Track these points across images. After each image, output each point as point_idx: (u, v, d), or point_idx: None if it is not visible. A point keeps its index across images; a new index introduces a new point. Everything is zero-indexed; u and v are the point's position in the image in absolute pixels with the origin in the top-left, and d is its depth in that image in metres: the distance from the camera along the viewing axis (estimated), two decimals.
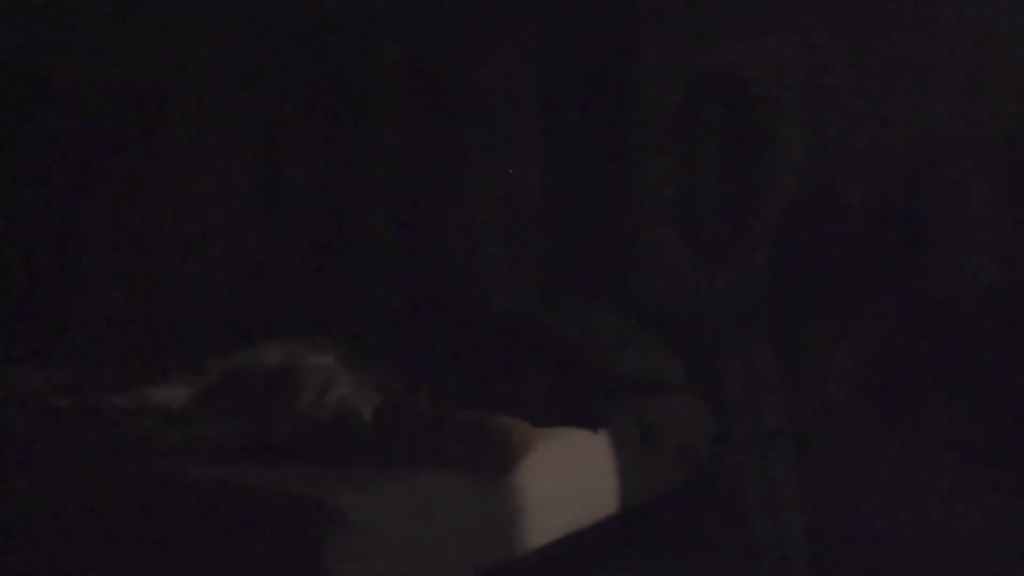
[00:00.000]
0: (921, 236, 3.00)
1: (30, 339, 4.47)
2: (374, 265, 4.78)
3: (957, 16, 3.36)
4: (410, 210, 4.65)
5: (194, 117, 5.11)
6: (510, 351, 3.41)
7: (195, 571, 2.21)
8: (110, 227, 4.87)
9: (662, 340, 3.58)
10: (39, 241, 4.58)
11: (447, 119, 4.54)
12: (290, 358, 3.14)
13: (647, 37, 4.03)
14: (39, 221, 4.58)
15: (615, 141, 4.10)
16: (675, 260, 3.98)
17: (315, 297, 4.90)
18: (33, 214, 4.55)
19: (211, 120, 5.16)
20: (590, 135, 4.14)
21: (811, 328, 3.50)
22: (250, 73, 5.12)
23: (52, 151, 4.62)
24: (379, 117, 4.76)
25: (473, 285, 4.44)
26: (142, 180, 5.02)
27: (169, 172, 5.10)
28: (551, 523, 2.70)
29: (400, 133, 4.70)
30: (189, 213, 5.13)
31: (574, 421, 2.96)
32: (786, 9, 3.70)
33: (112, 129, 4.85)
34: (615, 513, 3.06)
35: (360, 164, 4.83)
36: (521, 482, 2.56)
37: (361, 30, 4.70)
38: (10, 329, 4.42)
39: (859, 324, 3.33)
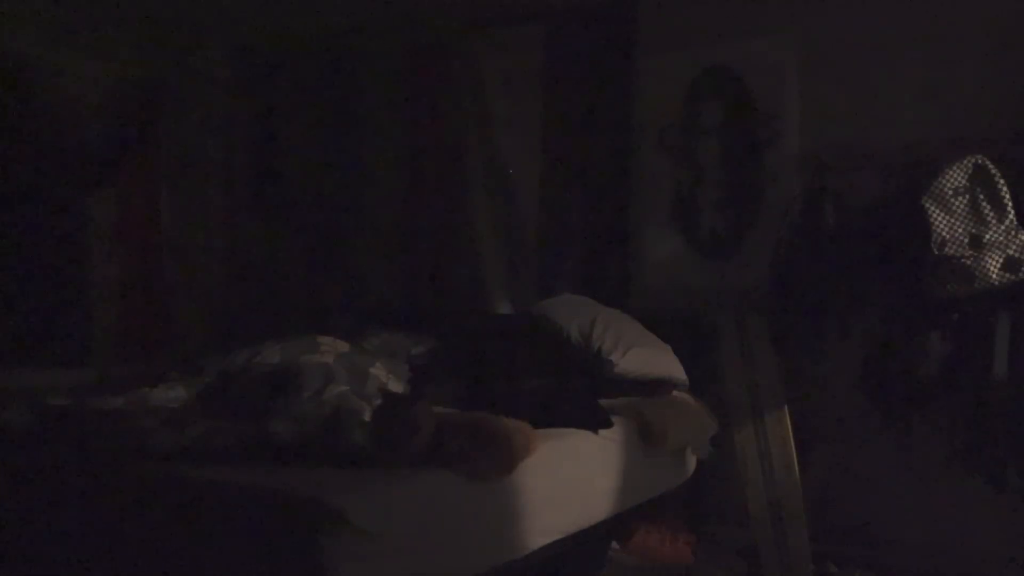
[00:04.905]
0: (921, 235, 2.99)
1: (30, 340, 4.46)
2: (373, 265, 4.78)
3: (955, 16, 3.36)
4: (409, 209, 4.65)
5: (195, 116, 5.11)
6: (510, 351, 3.41)
7: (195, 571, 2.21)
8: (110, 227, 4.86)
9: (662, 340, 3.58)
10: (38, 241, 4.58)
11: (447, 118, 4.53)
12: (289, 358, 3.14)
13: (647, 37, 4.03)
14: (38, 221, 4.57)
15: (615, 141, 4.09)
16: (675, 260, 3.98)
17: (315, 297, 4.90)
18: (32, 214, 4.55)
19: (212, 120, 5.16)
20: (590, 135, 4.14)
21: (811, 328, 3.50)
22: (250, 72, 5.12)
23: (51, 151, 4.61)
24: (379, 116, 4.75)
25: (473, 285, 4.44)
26: (142, 180, 5.01)
27: (169, 171, 5.10)
28: (551, 523, 2.70)
29: (400, 132, 4.69)
30: (188, 212, 5.13)
31: (574, 422, 2.96)
32: (785, 9, 3.70)
33: (111, 128, 4.85)
34: (615, 513, 3.06)
35: (360, 163, 4.83)
36: (521, 483, 2.56)
37: (361, 29, 4.70)
38: (10, 330, 4.41)
39: (859, 324, 3.32)
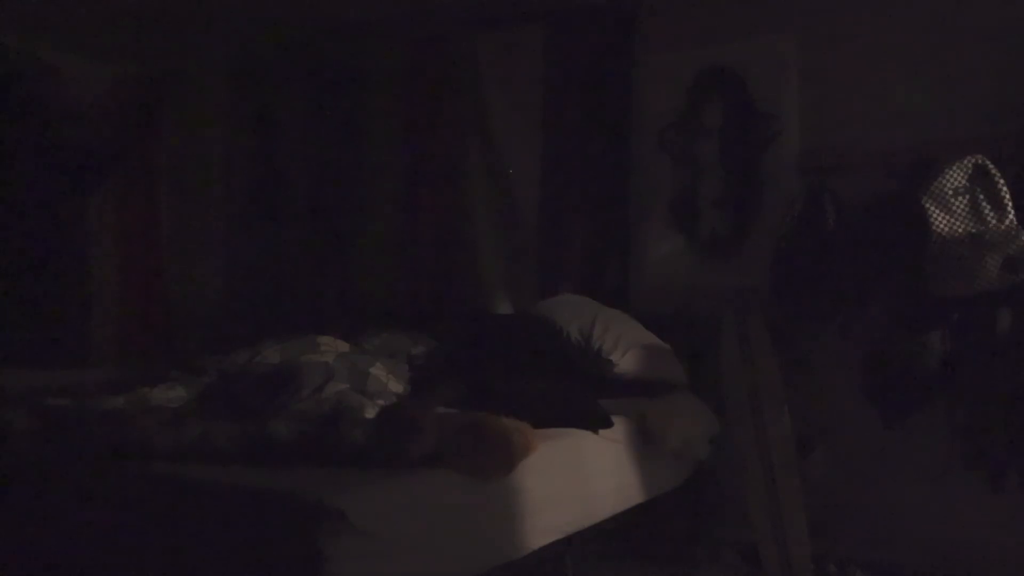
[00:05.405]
0: (921, 235, 2.99)
1: (30, 340, 4.46)
2: (373, 265, 4.77)
3: (955, 15, 3.36)
4: (409, 210, 4.65)
5: (195, 116, 5.11)
6: (510, 351, 3.41)
7: (195, 571, 2.21)
8: (110, 227, 4.87)
9: (662, 340, 3.58)
10: (38, 241, 4.58)
11: (447, 118, 4.53)
12: (289, 358, 3.14)
13: (647, 37, 4.03)
14: (38, 221, 4.57)
15: (615, 141, 4.09)
16: (675, 260, 3.97)
17: (315, 297, 4.90)
18: (33, 214, 4.55)
19: (212, 120, 5.16)
20: (590, 135, 4.14)
21: (811, 327, 3.50)
22: (251, 72, 5.11)
23: (51, 151, 4.62)
24: (379, 116, 4.75)
25: (473, 285, 4.44)
26: (142, 180, 5.01)
27: (169, 171, 5.10)
28: (551, 523, 2.70)
29: (400, 132, 4.69)
30: (188, 212, 5.13)
31: (574, 422, 2.96)
32: (785, 9, 3.70)
33: (111, 128, 4.85)
34: (615, 513, 3.06)
35: (359, 163, 4.82)
36: (521, 483, 2.56)
37: (361, 29, 4.70)
38: (10, 330, 4.41)
39: (859, 324, 3.32)
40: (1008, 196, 2.95)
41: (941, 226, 2.96)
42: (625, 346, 3.41)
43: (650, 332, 3.59)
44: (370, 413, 2.67)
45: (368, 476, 2.26)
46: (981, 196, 2.98)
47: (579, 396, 3.12)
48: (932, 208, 2.98)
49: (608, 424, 3.02)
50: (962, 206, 2.97)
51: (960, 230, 2.95)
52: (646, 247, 4.05)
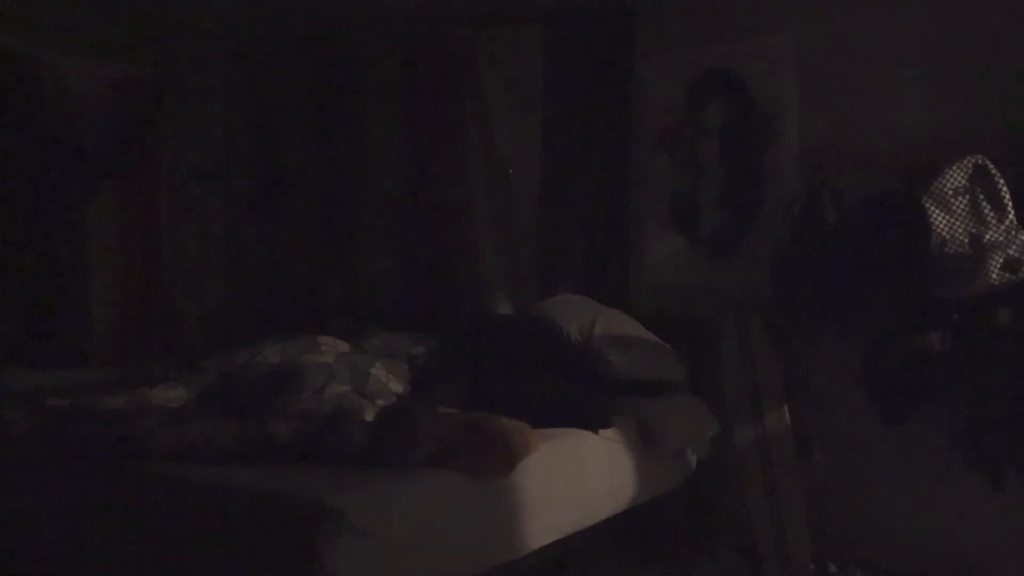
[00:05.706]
0: (921, 235, 2.99)
1: (30, 340, 4.46)
2: (373, 265, 4.77)
3: (955, 16, 3.36)
4: (409, 209, 4.65)
5: (195, 117, 5.11)
6: (510, 351, 3.41)
7: (195, 571, 2.21)
8: (110, 226, 4.86)
9: (662, 340, 3.58)
10: (39, 242, 4.57)
11: (447, 118, 4.53)
12: (289, 358, 3.14)
13: (647, 37, 4.03)
14: (39, 221, 4.57)
15: (615, 141, 4.09)
16: (675, 260, 3.97)
17: (315, 297, 4.90)
18: (32, 214, 4.55)
19: (212, 119, 5.16)
20: (590, 135, 4.14)
21: (811, 328, 3.50)
22: (251, 72, 5.12)
23: (52, 151, 4.61)
24: (379, 116, 4.75)
25: (473, 285, 4.44)
26: (142, 180, 5.01)
27: (169, 171, 5.10)
28: (551, 523, 2.70)
29: (400, 132, 4.69)
30: (188, 212, 5.13)
31: (573, 421, 2.96)
32: (785, 9, 3.70)
33: (111, 128, 4.84)
34: (615, 513, 3.06)
35: (359, 163, 4.82)
36: (521, 483, 2.56)
37: (361, 29, 4.70)
38: (10, 330, 4.41)
39: (859, 324, 3.32)
40: (1008, 196, 2.95)
41: (941, 226, 2.96)
42: (625, 346, 3.41)
43: (650, 332, 3.59)
44: (370, 415, 2.67)
45: (368, 476, 2.27)
46: (981, 196, 2.98)
47: (579, 396, 3.12)
48: (932, 208, 2.98)
49: (607, 424, 3.02)
50: (962, 206, 2.98)
51: (960, 230, 2.95)
52: (646, 247, 4.05)
